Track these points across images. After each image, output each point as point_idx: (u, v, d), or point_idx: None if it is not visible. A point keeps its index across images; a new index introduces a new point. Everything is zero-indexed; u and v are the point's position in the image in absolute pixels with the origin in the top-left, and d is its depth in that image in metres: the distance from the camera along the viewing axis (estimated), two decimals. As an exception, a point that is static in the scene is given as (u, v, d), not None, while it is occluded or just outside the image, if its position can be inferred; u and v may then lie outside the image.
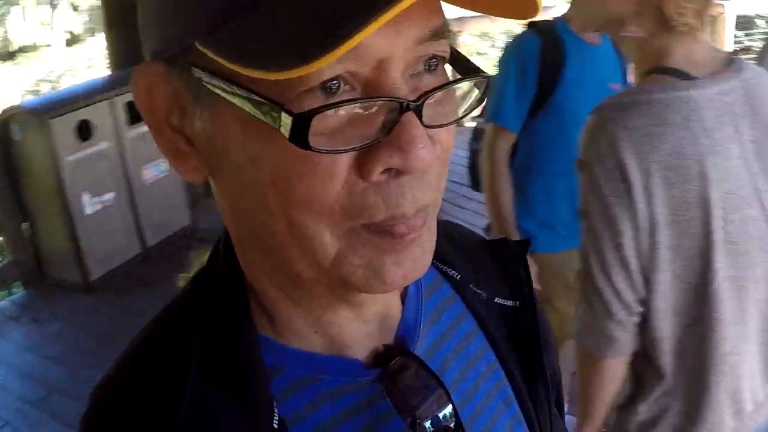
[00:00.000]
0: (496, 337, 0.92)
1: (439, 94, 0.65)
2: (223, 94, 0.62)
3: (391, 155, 0.62)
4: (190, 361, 0.71)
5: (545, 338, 0.97)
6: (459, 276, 0.93)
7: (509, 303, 0.94)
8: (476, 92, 0.70)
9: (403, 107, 0.61)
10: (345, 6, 0.54)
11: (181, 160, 0.71)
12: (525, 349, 0.94)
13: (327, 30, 0.53)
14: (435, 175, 0.68)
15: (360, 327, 0.79)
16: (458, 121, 0.69)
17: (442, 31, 0.64)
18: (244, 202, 0.69)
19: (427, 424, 0.77)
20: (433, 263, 0.76)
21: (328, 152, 0.60)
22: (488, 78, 0.70)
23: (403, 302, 0.85)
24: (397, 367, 0.79)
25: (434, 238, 0.72)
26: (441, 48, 0.66)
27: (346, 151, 0.61)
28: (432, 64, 0.66)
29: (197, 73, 0.63)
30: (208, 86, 0.63)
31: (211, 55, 0.59)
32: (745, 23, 8.98)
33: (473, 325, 0.92)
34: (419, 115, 0.62)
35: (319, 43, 0.53)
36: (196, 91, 0.65)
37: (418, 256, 0.69)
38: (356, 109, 0.62)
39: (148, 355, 0.76)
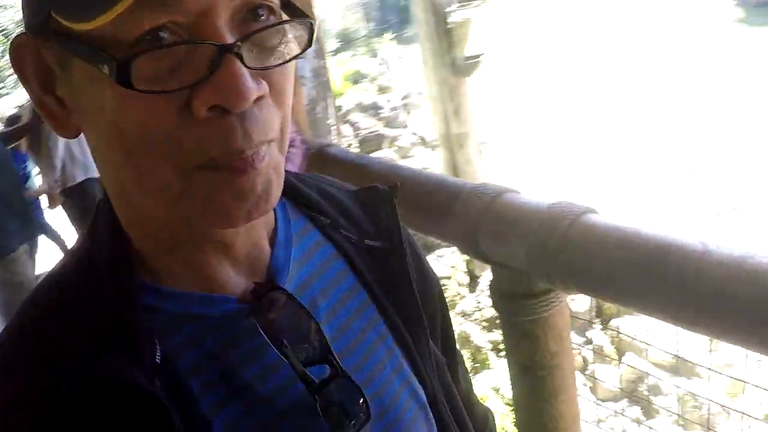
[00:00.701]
0: (367, 278, 0.98)
1: (267, 38, 0.74)
2: (72, 54, 0.71)
3: (213, 94, 0.68)
4: (76, 307, 0.79)
5: (425, 279, 1.08)
6: (329, 221, 0.99)
7: (378, 244, 1.01)
8: (305, 35, 0.77)
9: (221, 50, 0.68)
10: None
11: (56, 120, 0.79)
12: (399, 290, 1.00)
13: None
14: (271, 113, 0.75)
15: (231, 267, 0.86)
16: (286, 62, 0.75)
17: None
18: (102, 154, 0.77)
19: (301, 355, 0.84)
20: (303, 211, 0.97)
21: (149, 92, 0.67)
22: (311, 21, 0.76)
23: (273, 246, 0.92)
24: (268, 301, 0.85)
25: (280, 175, 0.78)
26: None
27: (168, 92, 0.68)
28: (260, 12, 0.73)
29: (54, 38, 0.72)
30: (64, 49, 0.72)
31: (55, 16, 0.70)
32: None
33: (343, 266, 0.98)
34: (240, 57, 0.69)
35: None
36: (58, 56, 0.74)
37: (260, 192, 0.75)
38: (181, 54, 0.69)
39: (41, 307, 0.82)
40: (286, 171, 0.84)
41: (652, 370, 4.84)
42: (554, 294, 1.87)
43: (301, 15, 0.78)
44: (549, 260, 1.72)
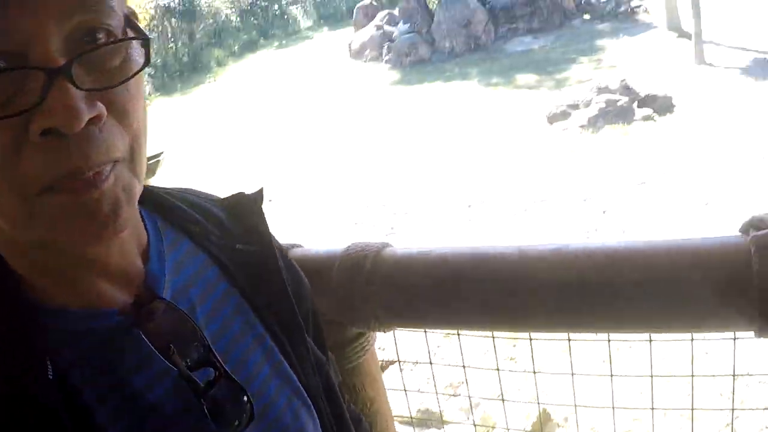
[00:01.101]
0: (241, 282, 1.01)
1: (105, 59, 0.75)
2: None
3: (45, 118, 0.69)
4: None
5: (296, 279, 1.12)
6: (198, 229, 1.01)
7: (248, 248, 1.03)
8: (143, 54, 0.78)
9: (51, 73, 0.69)
10: None
11: None
12: (272, 291, 1.03)
13: None
14: (113, 134, 0.75)
15: (108, 282, 0.86)
16: (123, 81, 0.75)
17: (91, 3, 0.72)
18: None
19: (187, 360, 0.87)
20: (172, 222, 0.99)
21: None
22: (147, 38, 0.78)
23: (147, 259, 0.93)
24: (148, 311, 0.87)
25: (131, 195, 0.78)
26: (97, 19, 0.73)
27: (3, 118, 0.68)
28: (98, 35, 0.74)
29: None
30: None
31: None
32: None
33: (217, 272, 1.00)
34: (70, 79, 0.69)
35: None
36: None
37: (107, 212, 0.75)
38: (17, 81, 0.69)
39: None
40: (152, 186, 0.94)
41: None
42: (365, 338, 1.83)
43: (139, 34, 0.79)
44: (359, 303, 1.67)
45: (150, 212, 0.99)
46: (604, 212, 10.21)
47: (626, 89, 15.17)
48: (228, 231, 1.06)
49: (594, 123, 14.05)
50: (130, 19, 0.80)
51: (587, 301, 1.53)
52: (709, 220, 9.19)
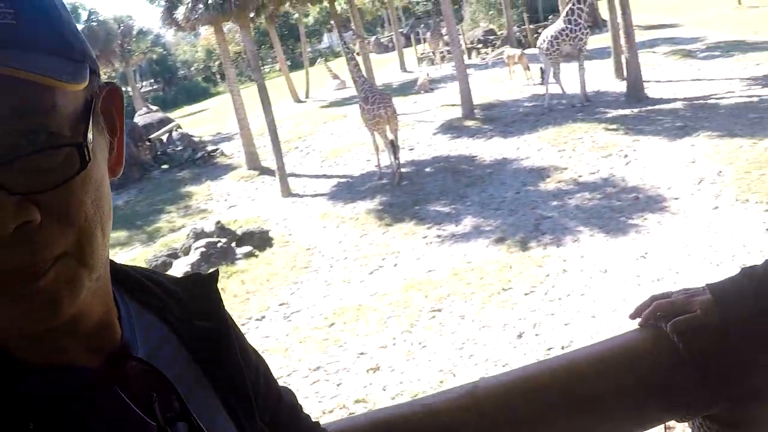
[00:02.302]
0: (200, 355, 1.04)
1: (41, 161, 0.74)
2: None
3: None
4: None
5: (247, 354, 1.16)
6: (160, 304, 1.04)
7: (205, 324, 1.07)
8: (78, 158, 0.76)
9: None
10: None
11: None
12: (228, 366, 1.07)
13: None
14: (51, 234, 0.76)
15: (79, 344, 0.88)
16: (57, 185, 0.75)
17: (31, 108, 0.73)
18: None
19: (164, 414, 0.91)
20: (135, 297, 1.02)
21: None
22: (81, 144, 0.76)
23: (118, 326, 0.95)
24: (125, 369, 0.91)
25: (76, 287, 0.80)
26: (39, 120, 0.74)
27: None
28: (40, 137, 0.74)
29: None
30: None
31: None
32: None
33: (177, 343, 1.03)
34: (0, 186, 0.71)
35: None
36: None
37: (45, 304, 0.77)
38: None
39: None
40: (117, 263, 1.00)
41: None
42: None
43: (78, 139, 0.77)
44: None
45: (117, 288, 1.00)
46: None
47: (223, 230, 15.45)
48: (186, 308, 1.07)
49: (197, 268, 14.03)
50: (85, 116, 0.79)
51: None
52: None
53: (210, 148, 24.12)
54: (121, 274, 1.04)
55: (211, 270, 1.18)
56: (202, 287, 1.12)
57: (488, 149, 18.59)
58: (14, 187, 0.72)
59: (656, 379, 1.44)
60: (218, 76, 59.90)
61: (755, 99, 18.32)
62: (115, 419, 0.87)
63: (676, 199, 12.90)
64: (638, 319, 1.50)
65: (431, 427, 1.38)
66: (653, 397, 1.45)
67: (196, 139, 25.76)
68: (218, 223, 15.67)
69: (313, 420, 1.30)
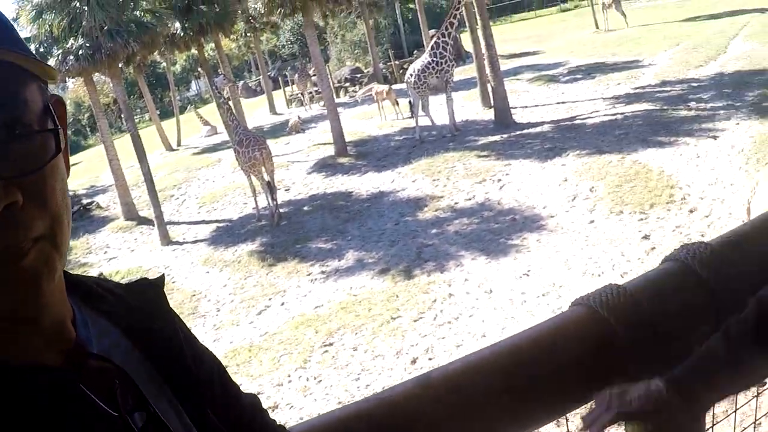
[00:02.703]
0: (150, 353, 1.08)
1: (19, 150, 0.83)
2: None
3: None
4: None
5: (194, 352, 1.18)
6: (112, 309, 1.09)
7: (154, 325, 1.12)
8: (53, 143, 0.87)
9: None
10: None
11: None
12: (177, 363, 1.11)
13: None
14: (29, 216, 0.84)
15: (42, 340, 0.93)
16: (35, 170, 0.84)
17: (6, 100, 0.83)
18: None
19: (125, 406, 0.96)
20: (87, 302, 1.06)
21: None
22: (55, 130, 0.88)
23: (74, 326, 1.00)
24: (86, 366, 0.96)
25: (52, 268, 0.88)
26: (11, 115, 0.83)
27: None
28: (11, 128, 0.83)
29: None
30: None
31: None
32: None
33: (129, 344, 1.07)
34: None
35: None
36: None
37: (29, 281, 0.85)
38: None
39: None
40: (68, 272, 1.01)
41: None
42: None
43: (50, 126, 0.88)
44: None
45: (71, 293, 1.04)
46: None
47: (105, 282, 14.98)
48: (134, 311, 1.11)
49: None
50: (49, 109, 0.89)
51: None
52: (245, 383, 9.25)
53: (85, 201, 23.50)
54: (74, 280, 1.08)
55: (156, 276, 1.23)
56: (148, 291, 1.18)
57: (364, 184, 18.77)
58: (1, 171, 0.81)
59: (592, 356, 1.54)
60: (88, 129, 58.41)
61: (619, 116, 19.24)
62: (80, 414, 0.91)
63: (553, 216, 13.37)
64: (572, 298, 1.60)
65: (391, 418, 1.43)
66: (591, 373, 1.53)
67: (71, 194, 24.91)
68: (100, 275, 15.28)
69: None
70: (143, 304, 1.15)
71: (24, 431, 0.87)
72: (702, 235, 10.83)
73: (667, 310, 1.61)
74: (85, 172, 33.70)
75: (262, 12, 24.97)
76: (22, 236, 0.84)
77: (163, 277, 1.24)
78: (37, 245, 0.86)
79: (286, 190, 19.94)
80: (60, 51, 20.48)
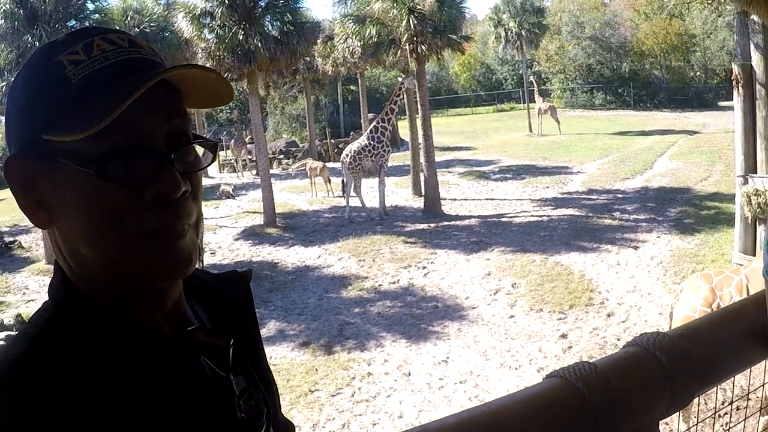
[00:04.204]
0: (234, 337, 1.21)
1: (189, 153, 1.09)
2: (60, 164, 1.02)
3: (157, 188, 1.02)
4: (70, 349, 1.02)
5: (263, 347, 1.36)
6: (204, 297, 1.28)
7: (242, 315, 1.32)
8: (210, 153, 1.14)
9: (163, 157, 1.03)
10: (106, 98, 0.99)
11: (34, 216, 1.08)
12: (258, 350, 1.32)
13: (93, 115, 0.98)
14: (191, 204, 1.07)
15: (160, 315, 1.13)
16: (201, 169, 1.11)
17: (181, 114, 1.09)
18: (76, 235, 1.05)
19: (233, 371, 1.17)
20: (186, 290, 1.22)
21: (119, 181, 1.01)
22: (215, 143, 1.17)
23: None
24: (196, 336, 1.15)
25: (195, 250, 1.09)
26: (184, 125, 1.09)
27: (130, 181, 1.02)
28: (183, 138, 1.08)
29: (42, 151, 1.04)
30: (52, 162, 1.03)
31: (49, 138, 1.02)
32: None
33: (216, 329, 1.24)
34: (172, 164, 1.04)
35: (91, 122, 0.97)
36: (43, 167, 1.05)
37: (186, 256, 1.06)
38: (135, 158, 1.02)
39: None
40: None
41: None
42: None
43: (209, 141, 1.15)
44: None
45: None
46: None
47: (23, 324, 14.64)
48: (224, 301, 1.30)
49: None
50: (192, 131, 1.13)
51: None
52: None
53: (8, 239, 23.00)
54: None
55: (244, 270, 1.42)
56: (237, 284, 1.36)
57: (290, 256, 18.82)
58: (179, 166, 1.05)
59: (565, 425, 1.65)
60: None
61: (545, 218, 19.84)
62: (194, 375, 1.11)
63: (474, 308, 13.61)
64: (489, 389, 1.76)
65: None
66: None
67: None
68: (18, 316, 14.94)
69: None
70: (232, 296, 1.33)
71: (149, 387, 1.03)
72: (618, 339, 11.22)
73: (632, 387, 1.81)
74: (12, 210, 32.96)
75: (209, 75, 25.02)
76: (185, 220, 1.05)
77: (250, 271, 1.41)
78: (189, 230, 1.07)
79: (211, 253, 19.85)
80: (4, 83, 20.30)
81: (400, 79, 22.35)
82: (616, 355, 1.98)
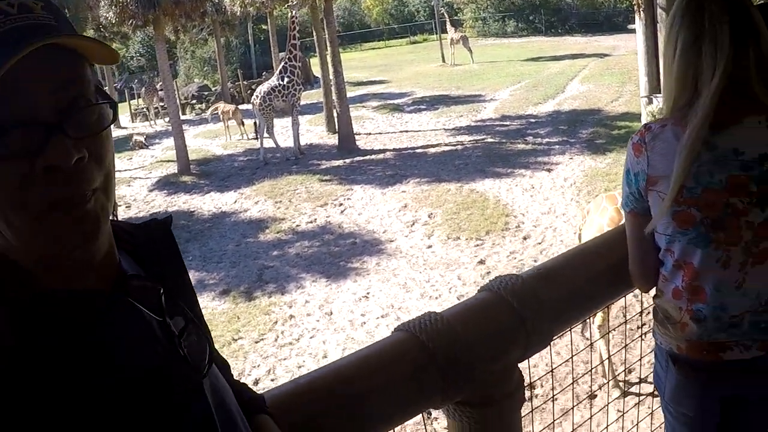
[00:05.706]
0: (165, 285, 1.20)
1: (89, 115, 1.06)
2: None
3: (46, 158, 0.98)
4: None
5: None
6: (130, 248, 1.27)
7: (164, 260, 1.29)
8: (111, 113, 1.10)
9: (50, 128, 0.99)
10: None
11: None
12: (189, 295, 1.30)
13: None
14: (91, 170, 1.04)
15: (93, 273, 1.12)
16: (98, 132, 1.06)
17: (73, 79, 1.04)
18: None
19: (170, 313, 1.16)
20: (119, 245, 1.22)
21: (3, 158, 0.98)
22: (113, 102, 1.11)
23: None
24: (130, 285, 1.15)
25: (106, 214, 1.09)
26: (78, 90, 1.05)
27: (15, 157, 0.98)
28: (79, 101, 1.04)
29: None
30: None
31: None
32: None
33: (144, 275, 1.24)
34: (63, 131, 1.00)
35: None
36: None
37: (90, 222, 1.05)
38: (23, 132, 0.98)
39: None
40: None
41: None
42: None
43: (108, 99, 1.10)
44: None
45: None
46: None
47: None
48: (144, 247, 1.28)
49: None
50: (99, 87, 1.10)
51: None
52: None
53: None
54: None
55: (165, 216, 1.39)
56: (159, 230, 1.34)
57: (206, 204, 18.57)
58: (72, 133, 1.01)
59: (411, 377, 1.68)
60: None
61: (459, 147, 19.90)
62: (132, 322, 1.11)
63: (392, 241, 13.64)
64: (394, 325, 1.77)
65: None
66: (411, 390, 1.67)
67: None
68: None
69: None
70: (154, 242, 1.33)
71: (90, 342, 1.03)
72: (535, 261, 11.34)
73: (482, 335, 1.78)
74: None
75: (113, 21, 24.21)
76: (86, 186, 1.03)
77: (170, 216, 1.38)
78: (95, 195, 1.05)
79: (126, 207, 19.48)
80: None
81: (290, 14, 21.98)
82: (467, 302, 1.96)
